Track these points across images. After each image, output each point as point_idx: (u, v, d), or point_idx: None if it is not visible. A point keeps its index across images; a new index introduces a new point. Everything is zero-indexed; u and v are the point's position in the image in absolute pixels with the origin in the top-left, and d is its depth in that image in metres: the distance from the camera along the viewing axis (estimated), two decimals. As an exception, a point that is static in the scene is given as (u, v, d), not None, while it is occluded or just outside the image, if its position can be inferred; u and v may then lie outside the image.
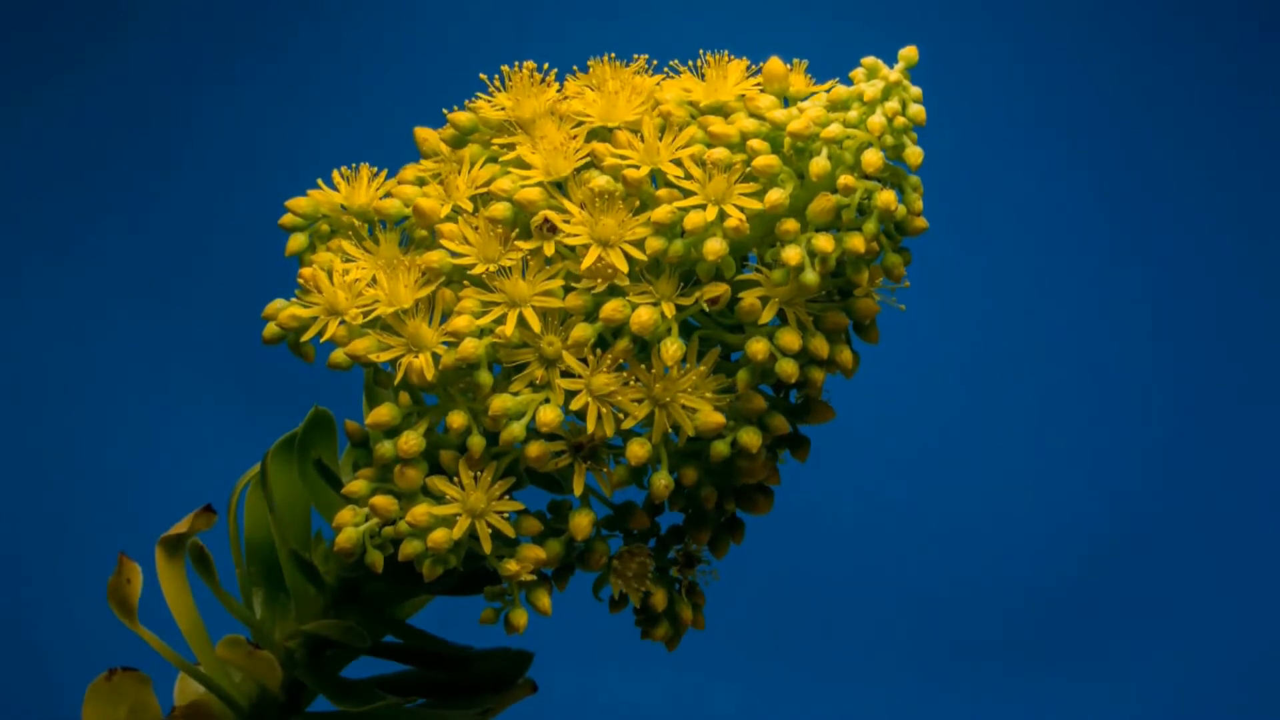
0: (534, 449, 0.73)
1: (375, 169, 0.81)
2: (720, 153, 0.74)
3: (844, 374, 0.77)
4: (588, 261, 0.73)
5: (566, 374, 0.73)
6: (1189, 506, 1.57)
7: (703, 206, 0.73)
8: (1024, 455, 1.58)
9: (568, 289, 0.74)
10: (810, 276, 0.73)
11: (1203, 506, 1.57)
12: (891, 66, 0.76)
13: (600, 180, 0.75)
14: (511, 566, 0.75)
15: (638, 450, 0.73)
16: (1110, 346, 1.60)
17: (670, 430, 0.74)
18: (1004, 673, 1.52)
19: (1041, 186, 1.61)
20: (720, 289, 0.74)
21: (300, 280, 0.77)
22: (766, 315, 0.74)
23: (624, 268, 0.73)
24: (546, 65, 0.81)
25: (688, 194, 0.74)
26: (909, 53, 0.76)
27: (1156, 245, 1.61)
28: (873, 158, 0.73)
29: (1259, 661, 1.53)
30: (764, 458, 0.78)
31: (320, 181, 0.81)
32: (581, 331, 0.73)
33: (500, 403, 0.73)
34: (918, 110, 0.75)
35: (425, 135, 0.82)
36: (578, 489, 0.75)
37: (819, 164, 0.73)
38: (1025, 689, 1.52)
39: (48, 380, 1.52)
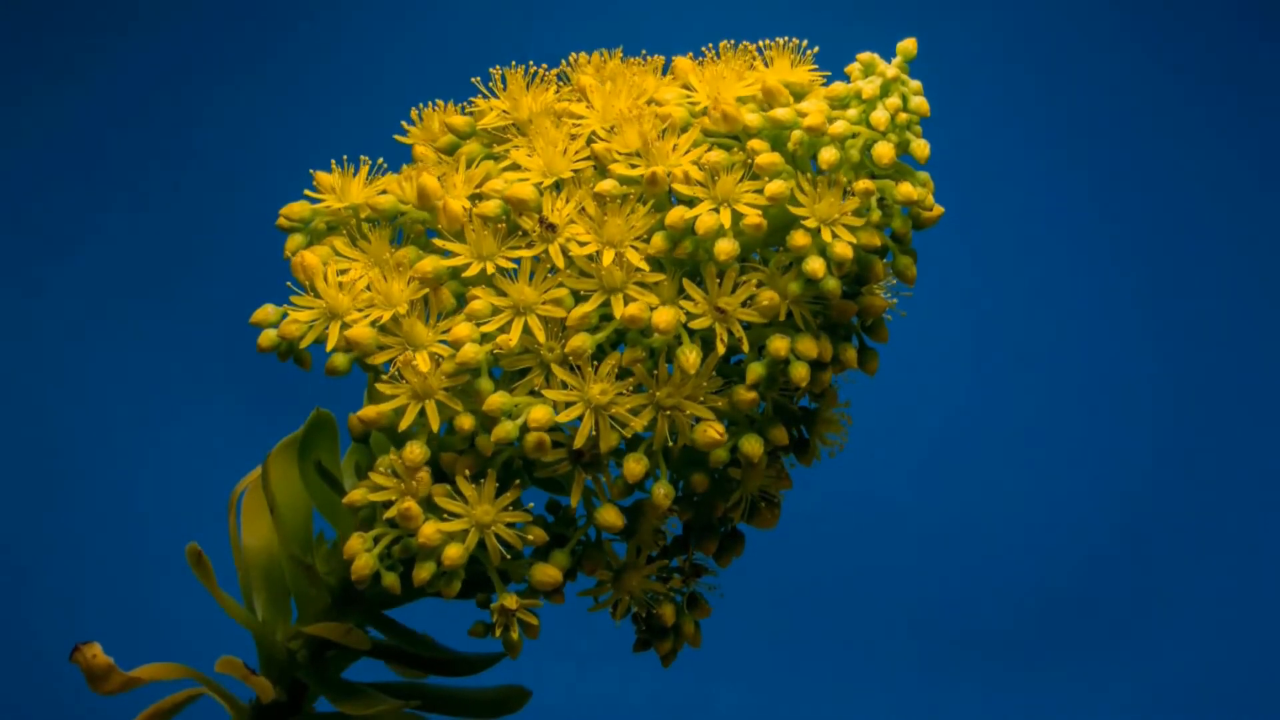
0: (531, 439, 0.72)
1: (373, 164, 0.81)
2: (718, 154, 0.74)
3: (865, 372, 0.77)
4: (606, 262, 0.72)
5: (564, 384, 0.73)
6: (1190, 506, 1.57)
7: (714, 209, 0.73)
8: (1025, 455, 1.58)
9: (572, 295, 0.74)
10: (831, 284, 0.72)
11: (1204, 506, 1.57)
12: (889, 60, 0.75)
13: (606, 184, 0.74)
14: (510, 603, 0.74)
15: (634, 467, 0.73)
16: (1110, 347, 1.60)
17: (669, 439, 0.73)
18: (1006, 673, 1.52)
19: (1041, 186, 1.61)
20: (769, 294, 0.73)
21: (294, 269, 0.77)
22: (782, 314, 0.73)
23: (644, 265, 0.73)
24: (545, 66, 0.81)
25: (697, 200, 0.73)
26: (907, 46, 0.75)
27: (1156, 245, 1.61)
28: (884, 150, 0.73)
29: (1260, 661, 1.53)
30: (766, 463, 0.77)
31: (314, 172, 0.81)
32: (580, 341, 0.73)
33: (495, 400, 0.72)
34: (920, 103, 0.74)
35: (422, 148, 0.81)
36: (575, 498, 0.74)
37: (829, 154, 0.73)
38: (1027, 689, 1.52)
39: (47, 381, 1.52)
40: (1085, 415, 1.58)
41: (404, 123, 0.82)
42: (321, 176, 0.80)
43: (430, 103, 0.82)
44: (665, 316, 0.72)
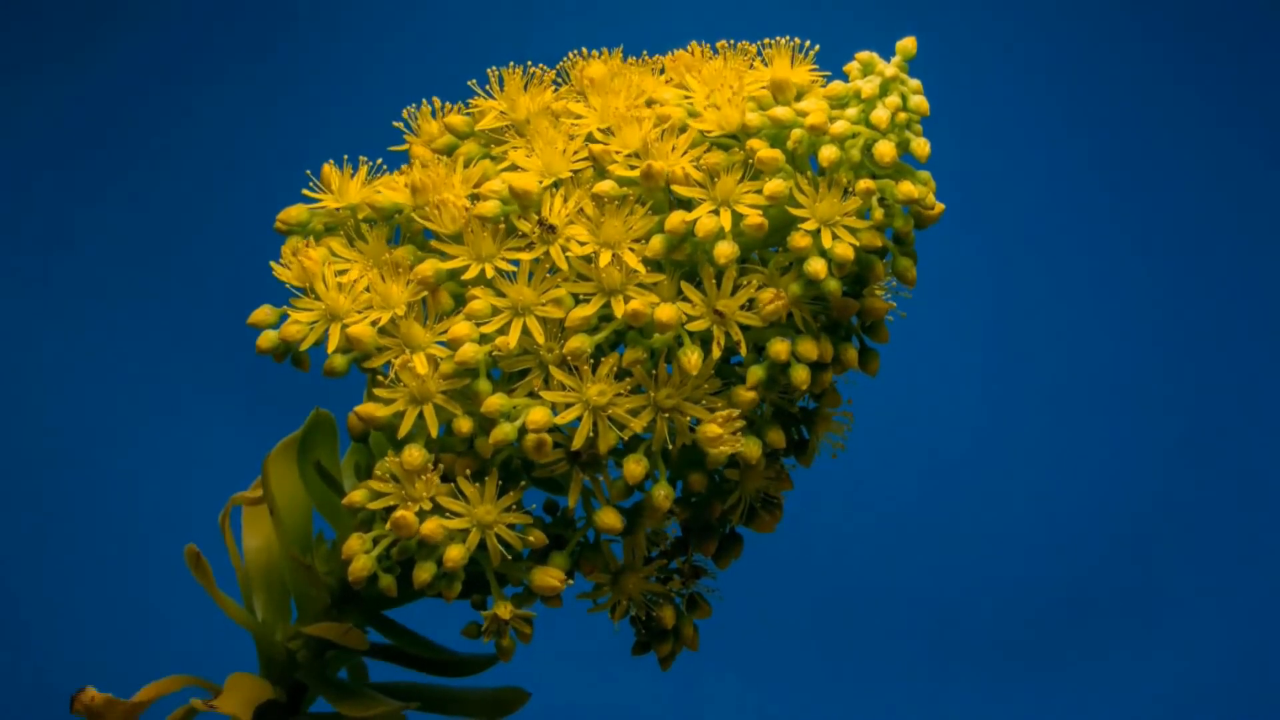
0: (530, 440, 0.72)
1: (372, 164, 0.81)
2: (717, 155, 0.74)
3: (866, 373, 0.77)
4: (603, 263, 0.72)
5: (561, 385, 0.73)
6: (1195, 509, 1.57)
7: (714, 211, 0.72)
8: (1028, 456, 1.58)
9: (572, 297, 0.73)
10: (833, 285, 0.72)
11: (1209, 509, 1.57)
12: (888, 59, 0.75)
13: (604, 185, 0.74)
14: (504, 613, 0.74)
15: (634, 468, 0.73)
16: (1114, 348, 1.59)
17: (668, 441, 0.73)
18: (1008, 675, 1.52)
19: (1048, 185, 1.61)
20: (770, 297, 0.73)
21: (282, 266, 0.77)
22: (783, 316, 0.73)
23: (640, 268, 0.72)
24: (543, 67, 0.80)
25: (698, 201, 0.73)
26: (906, 45, 0.75)
27: (1161, 246, 1.61)
28: (885, 149, 0.72)
29: (1263, 663, 1.53)
30: (764, 464, 0.77)
31: (323, 166, 0.80)
32: (578, 342, 0.72)
33: (494, 402, 0.72)
34: (919, 102, 0.74)
35: (420, 149, 0.81)
36: (573, 499, 0.74)
37: (830, 152, 0.73)
38: (1029, 691, 1.52)
39: (45, 381, 1.51)
40: (1089, 416, 1.58)
41: (401, 122, 0.82)
42: (327, 171, 0.80)
43: (428, 101, 0.82)
44: (668, 312, 0.71)
